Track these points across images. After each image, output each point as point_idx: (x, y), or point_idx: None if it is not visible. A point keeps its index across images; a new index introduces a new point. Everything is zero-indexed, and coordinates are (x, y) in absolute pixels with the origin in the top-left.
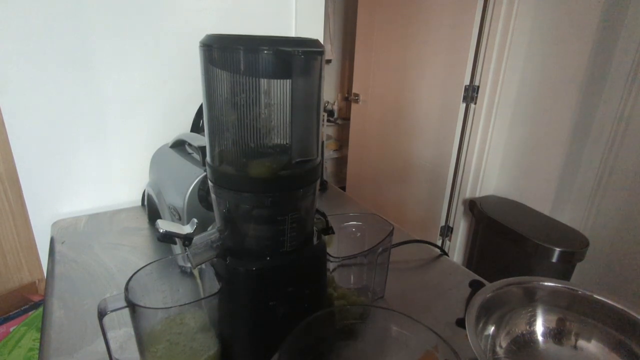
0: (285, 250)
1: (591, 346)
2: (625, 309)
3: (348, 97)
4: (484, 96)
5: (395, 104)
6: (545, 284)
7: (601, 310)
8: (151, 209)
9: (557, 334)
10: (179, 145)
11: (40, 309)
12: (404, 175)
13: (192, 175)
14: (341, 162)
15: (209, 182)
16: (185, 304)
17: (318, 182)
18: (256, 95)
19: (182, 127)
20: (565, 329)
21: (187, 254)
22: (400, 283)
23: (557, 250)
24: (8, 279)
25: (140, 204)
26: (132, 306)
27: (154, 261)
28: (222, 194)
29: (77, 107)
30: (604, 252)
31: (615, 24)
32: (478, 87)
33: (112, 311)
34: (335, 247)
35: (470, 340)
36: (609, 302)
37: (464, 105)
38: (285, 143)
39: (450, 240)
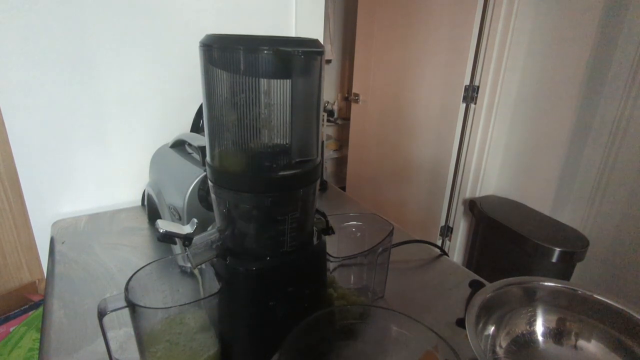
0: (285, 250)
1: (591, 346)
2: (625, 309)
3: (348, 97)
4: (484, 96)
5: (395, 104)
6: (545, 284)
7: (601, 310)
8: (151, 209)
9: (557, 334)
10: (179, 145)
11: (40, 309)
12: (404, 175)
13: (192, 175)
14: (341, 162)
15: (209, 182)
16: (185, 304)
17: (318, 182)
18: (256, 95)
19: (182, 127)
20: (565, 329)
21: (187, 254)
22: (400, 283)
23: (557, 250)
24: (8, 279)
25: (140, 204)
26: (132, 306)
27: (154, 261)
28: (222, 194)
29: (77, 107)
30: (604, 252)
31: (615, 24)
32: (478, 87)
33: (112, 311)
34: (335, 247)
35: (470, 340)
36: (609, 302)
37: (464, 105)
38: (285, 143)
39: (450, 240)
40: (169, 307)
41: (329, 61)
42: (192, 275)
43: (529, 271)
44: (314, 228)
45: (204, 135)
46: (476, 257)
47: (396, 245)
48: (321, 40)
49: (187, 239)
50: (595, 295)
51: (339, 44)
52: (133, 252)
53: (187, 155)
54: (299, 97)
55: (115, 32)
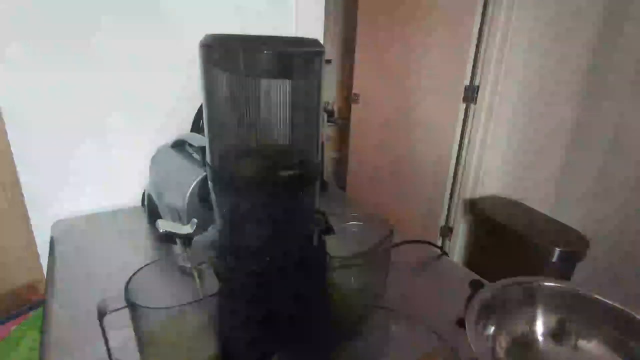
0: (285, 250)
1: (591, 346)
2: (625, 309)
3: (348, 97)
4: (484, 96)
5: (396, 104)
6: (545, 284)
7: (601, 310)
8: (151, 209)
9: (557, 334)
10: (179, 145)
11: (40, 309)
12: (404, 175)
13: (192, 175)
14: (341, 162)
15: (209, 182)
16: (185, 304)
17: (318, 182)
18: (256, 95)
19: (182, 127)
20: (565, 329)
21: (187, 254)
22: (400, 283)
23: (557, 250)
24: (8, 279)
25: (140, 204)
26: (132, 306)
27: (154, 261)
28: (222, 194)
29: (77, 107)
30: (604, 252)
31: (615, 24)
32: (478, 87)
33: (112, 311)
34: (335, 247)
35: (470, 340)
36: (609, 302)
37: (464, 105)
38: (285, 143)
39: (450, 240)
40: (169, 307)
41: (329, 61)
42: (192, 275)
43: (529, 271)
44: (314, 228)
45: (204, 135)
46: (476, 257)
47: (396, 245)
48: (321, 40)
49: (187, 239)
50: (595, 295)
51: (339, 44)
52: (133, 252)
53: (188, 156)
54: (299, 98)
55: (115, 32)
